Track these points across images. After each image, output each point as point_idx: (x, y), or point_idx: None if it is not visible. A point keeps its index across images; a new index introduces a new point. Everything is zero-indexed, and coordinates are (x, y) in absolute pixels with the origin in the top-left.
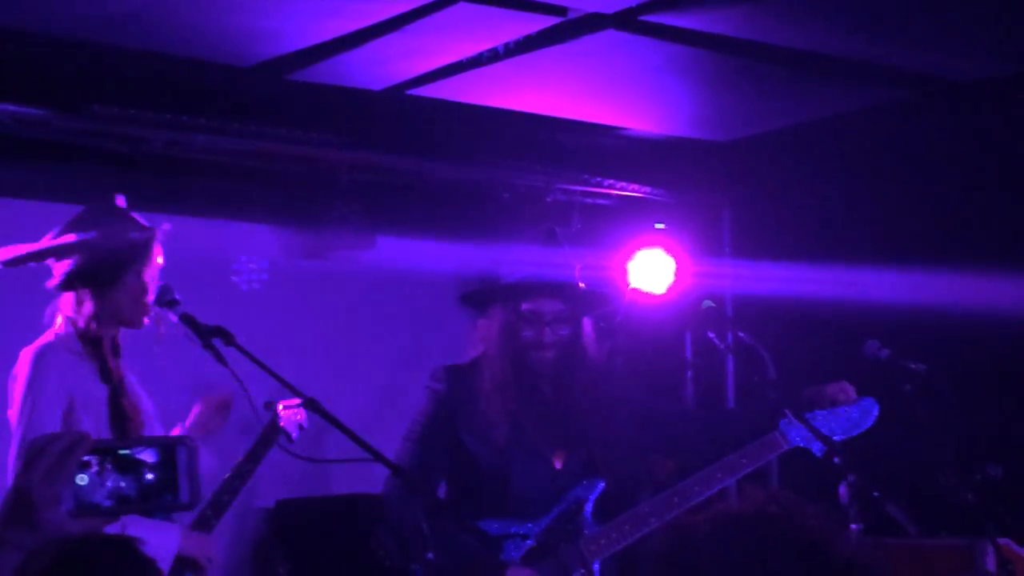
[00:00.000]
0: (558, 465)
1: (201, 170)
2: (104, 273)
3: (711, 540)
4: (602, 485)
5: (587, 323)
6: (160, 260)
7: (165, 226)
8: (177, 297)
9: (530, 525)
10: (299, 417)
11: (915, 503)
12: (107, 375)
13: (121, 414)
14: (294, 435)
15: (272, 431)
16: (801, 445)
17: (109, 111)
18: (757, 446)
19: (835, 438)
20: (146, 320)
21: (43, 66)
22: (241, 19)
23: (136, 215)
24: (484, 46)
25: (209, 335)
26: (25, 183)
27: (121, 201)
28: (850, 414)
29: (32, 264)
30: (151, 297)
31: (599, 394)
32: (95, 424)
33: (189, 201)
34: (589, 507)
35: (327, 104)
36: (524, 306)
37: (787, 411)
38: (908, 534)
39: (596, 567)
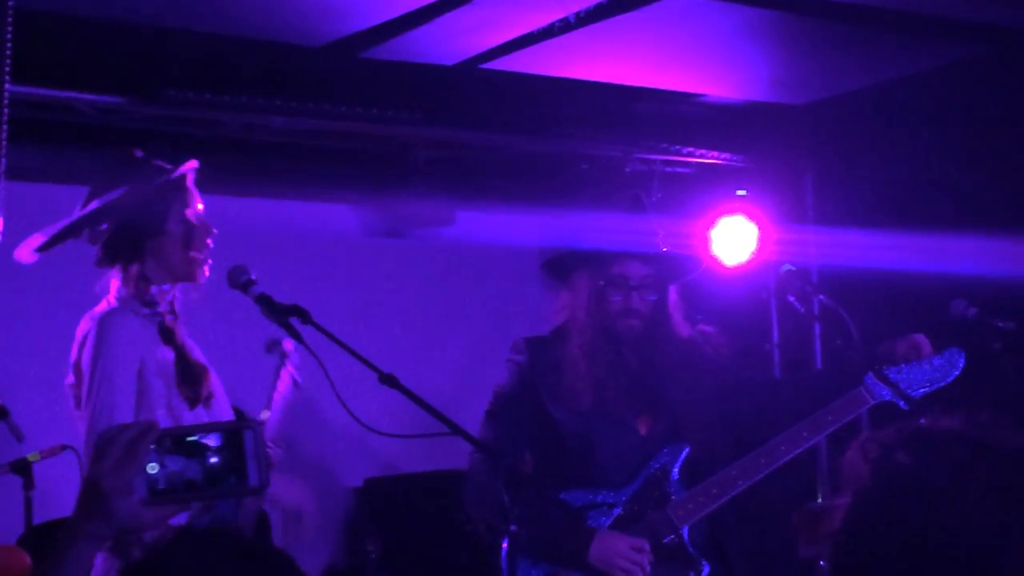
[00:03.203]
0: (643, 432)
1: (278, 151)
2: (139, 231)
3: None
4: (687, 450)
5: (673, 291)
6: (199, 205)
7: (192, 163)
8: (253, 277)
9: (617, 493)
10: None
11: None
12: (168, 336)
13: (190, 376)
14: (299, 380)
15: (276, 373)
16: (888, 399)
17: (184, 96)
18: (843, 402)
19: (918, 391)
20: (206, 271)
21: (117, 54)
22: None
23: (160, 161)
24: (555, 16)
25: (286, 314)
26: None
27: (139, 153)
28: (934, 365)
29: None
30: (200, 244)
31: (684, 360)
32: (166, 389)
33: (267, 182)
34: (675, 472)
35: (401, 81)
36: (612, 270)
37: (871, 368)
38: None
39: (685, 532)
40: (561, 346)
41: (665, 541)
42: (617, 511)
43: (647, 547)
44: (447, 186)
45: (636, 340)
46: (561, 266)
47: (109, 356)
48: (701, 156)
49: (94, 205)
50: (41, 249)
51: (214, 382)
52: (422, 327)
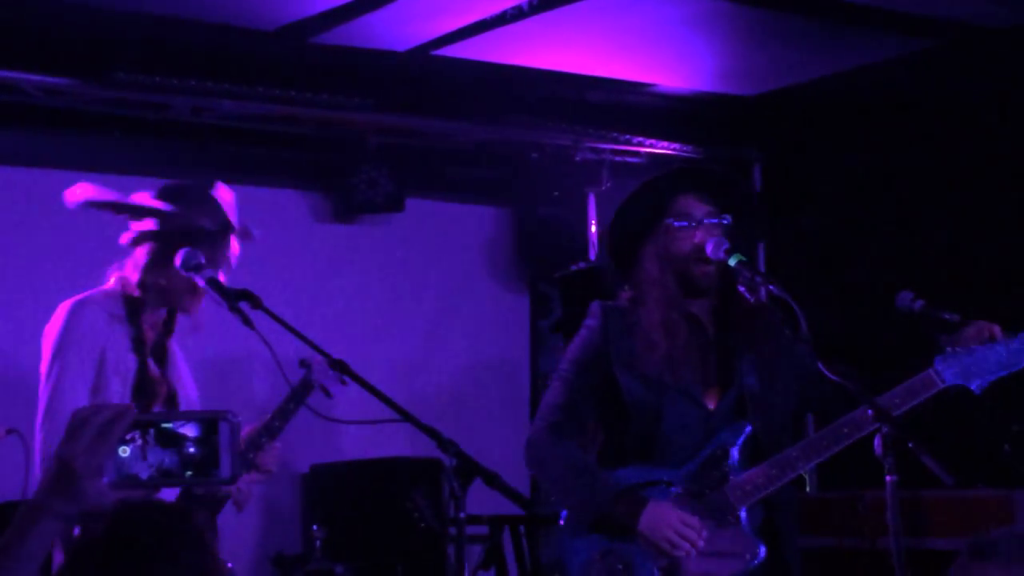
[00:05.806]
0: (711, 406)
1: (228, 135)
2: (171, 248)
3: None
4: (749, 429)
5: None
6: (232, 260)
7: (242, 230)
8: (203, 261)
9: (675, 472)
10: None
11: (951, 454)
12: (139, 346)
13: (144, 389)
14: (332, 390)
15: (303, 389)
16: (959, 383)
17: (134, 78)
18: (910, 385)
19: (992, 375)
20: (197, 311)
21: (66, 35)
22: None
23: (228, 209)
24: (508, 3)
25: (236, 299)
26: (52, 153)
27: (224, 191)
28: (1011, 349)
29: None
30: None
31: (759, 334)
32: (120, 390)
33: (216, 166)
34: (735, 452)
35: (352, 66)
36: (674, 206)
37: (947, 348)
38: (944, 486)
39: (743, 513)
40: (636, 312)
41: (722, 522)
42: (675, 490)
43: (698, 525)
44: (397, 173)
45: (710, 300)
46: (627, 225)
47: (71, 342)
48: (651, 146)
49: (151, 203)
50: (89, 205)
51: (187, 387)
52: (371, 313)
